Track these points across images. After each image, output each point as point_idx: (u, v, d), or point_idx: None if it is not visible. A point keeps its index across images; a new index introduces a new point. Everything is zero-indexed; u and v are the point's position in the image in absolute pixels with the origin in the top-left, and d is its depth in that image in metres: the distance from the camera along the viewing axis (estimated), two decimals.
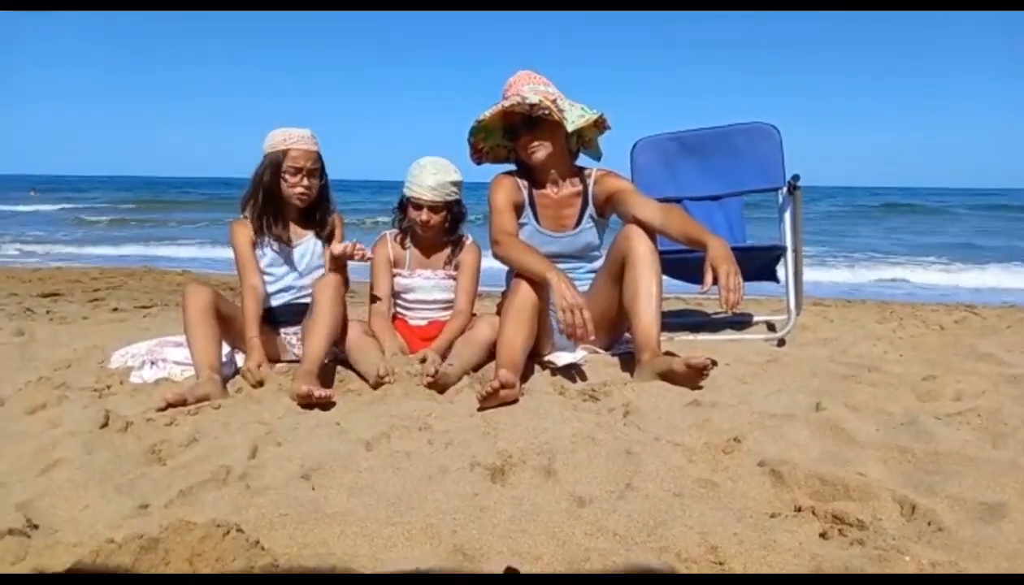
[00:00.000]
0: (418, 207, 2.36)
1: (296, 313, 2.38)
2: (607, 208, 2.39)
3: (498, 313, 2.33)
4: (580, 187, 2.40)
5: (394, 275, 2.49)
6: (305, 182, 2.31)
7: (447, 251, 2.48)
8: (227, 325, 2.22)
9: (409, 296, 2.47)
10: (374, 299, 2.46)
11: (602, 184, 2.39)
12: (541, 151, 2.30)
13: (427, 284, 2.46)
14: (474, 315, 2.45)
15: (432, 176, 2.32)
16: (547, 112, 2.20)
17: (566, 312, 1.94)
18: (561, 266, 2.16)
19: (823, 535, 1.13)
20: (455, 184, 2.37)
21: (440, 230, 2.43)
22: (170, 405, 1.88)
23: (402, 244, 2.50)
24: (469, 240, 2.52)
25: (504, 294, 2.38)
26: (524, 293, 2.09)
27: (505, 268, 2.34)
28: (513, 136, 2.35)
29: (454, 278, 2.47)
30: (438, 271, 2.47)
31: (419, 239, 2.47)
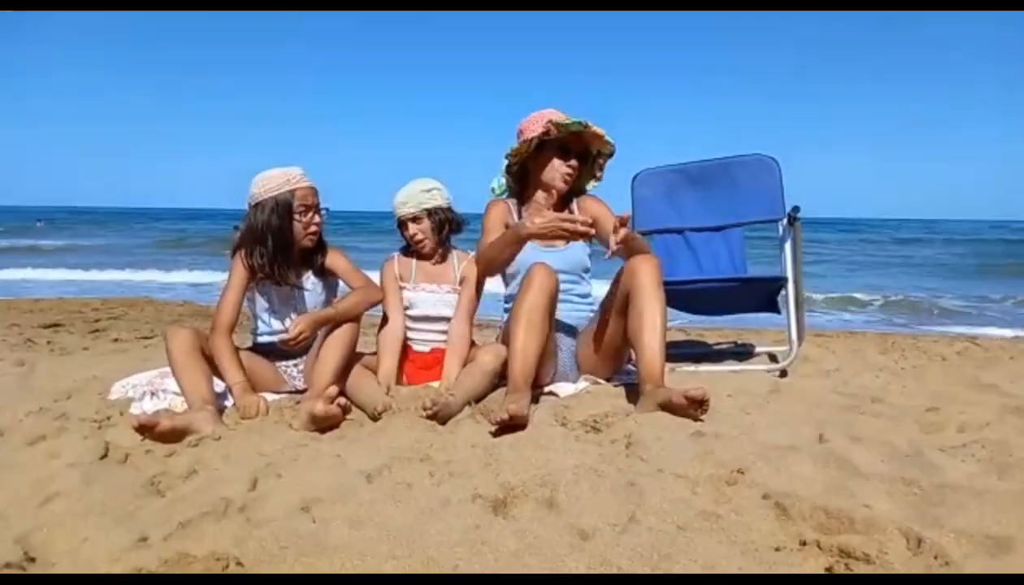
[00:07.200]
0: (404, 226, 2.45)
1: (297, 347, 2.37)
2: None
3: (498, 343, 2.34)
4: (565, 211, 2.48)
5: (401, 288, 2.49)
6: (316, 218, 2.32)
7: (451, 264, 2.49)
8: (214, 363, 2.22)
9: (413, 312, 2.46)
10: (385, 317, 2.46)
11: (584, 207, 2.51)
12: (574, 182, 2.49)
13: (431, 298, 2.45)
14: (474, 344, 2.44)
15: (403, 192, 2.42)
16: (611, 156, 2.48)
17: (555, 222, 2.07)
18: None
19: (829, 569, 1.12)
20: (427, 190, 2.42)
21: (436, 242, 2.46)
22: (143, 426, 1.87)
23: (405, 260, 2.52)
24: (472, 255, 2.53)
25: (502, 327, 2.38)
26: (535, 293, 2.09)
27: (501, 297, 2.35)
28: (540, 149, 2.43)
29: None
30: (443, 285, 2.47)
31: (423, 257, 2.50)
